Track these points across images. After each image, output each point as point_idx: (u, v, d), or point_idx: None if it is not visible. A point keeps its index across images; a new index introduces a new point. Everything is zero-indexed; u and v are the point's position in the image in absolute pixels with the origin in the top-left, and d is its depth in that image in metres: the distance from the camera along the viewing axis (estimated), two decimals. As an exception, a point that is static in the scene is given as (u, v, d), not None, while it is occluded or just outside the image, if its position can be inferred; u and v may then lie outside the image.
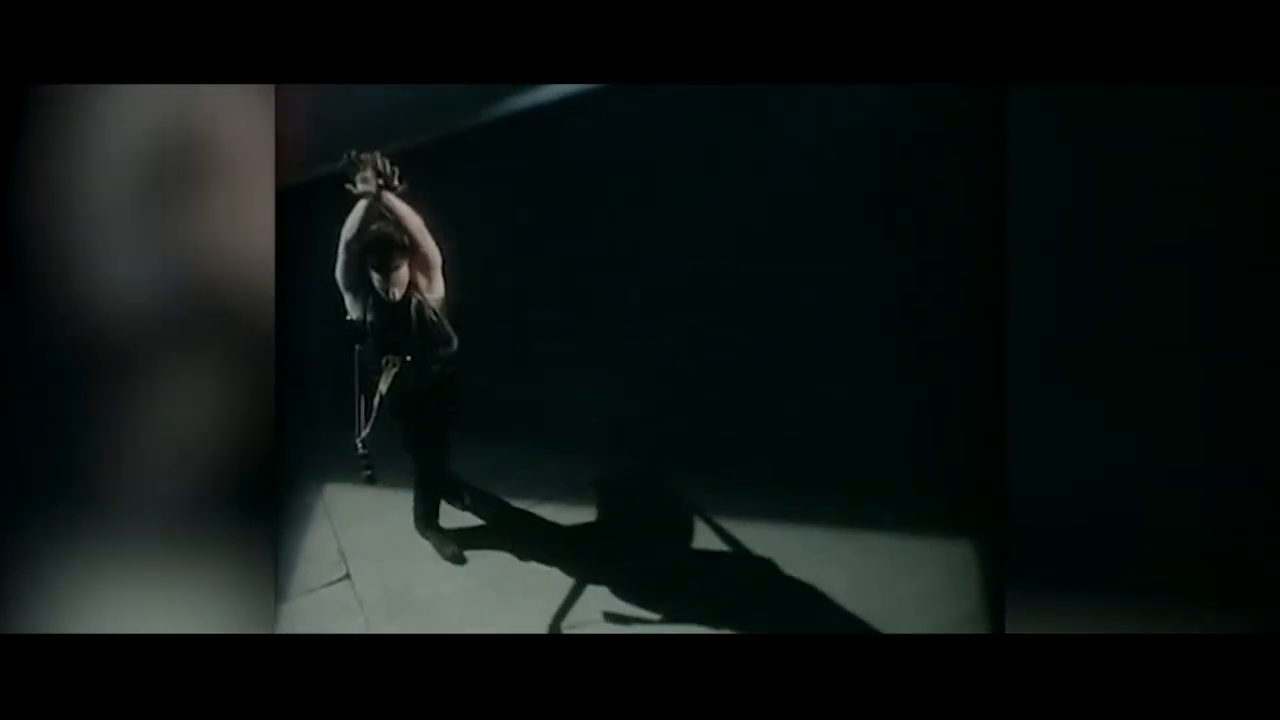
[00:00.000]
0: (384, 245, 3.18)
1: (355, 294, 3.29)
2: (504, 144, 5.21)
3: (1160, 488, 2.59)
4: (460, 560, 3.91)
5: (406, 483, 3.82)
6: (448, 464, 3.81)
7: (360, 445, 3.30)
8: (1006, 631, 2.67)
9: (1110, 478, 2.61)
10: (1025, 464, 2.62)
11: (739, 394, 4.24)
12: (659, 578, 3.80)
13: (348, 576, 3.92)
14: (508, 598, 3.77)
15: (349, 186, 3.18)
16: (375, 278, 3.22)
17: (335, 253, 3.23)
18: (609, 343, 4.44)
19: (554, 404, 4.26)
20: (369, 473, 3.34)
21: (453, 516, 3.98)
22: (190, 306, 2.58)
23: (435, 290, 3.32)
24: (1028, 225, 2.59)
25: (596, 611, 3.69)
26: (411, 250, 3.22)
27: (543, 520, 3.98)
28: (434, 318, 3.31)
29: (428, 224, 3.23)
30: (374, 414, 3.31)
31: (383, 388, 3.31)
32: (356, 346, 3.36)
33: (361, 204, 3.19)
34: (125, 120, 2.53)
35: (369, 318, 3.30)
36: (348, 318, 3.34)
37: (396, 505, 3.94)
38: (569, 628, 3.67)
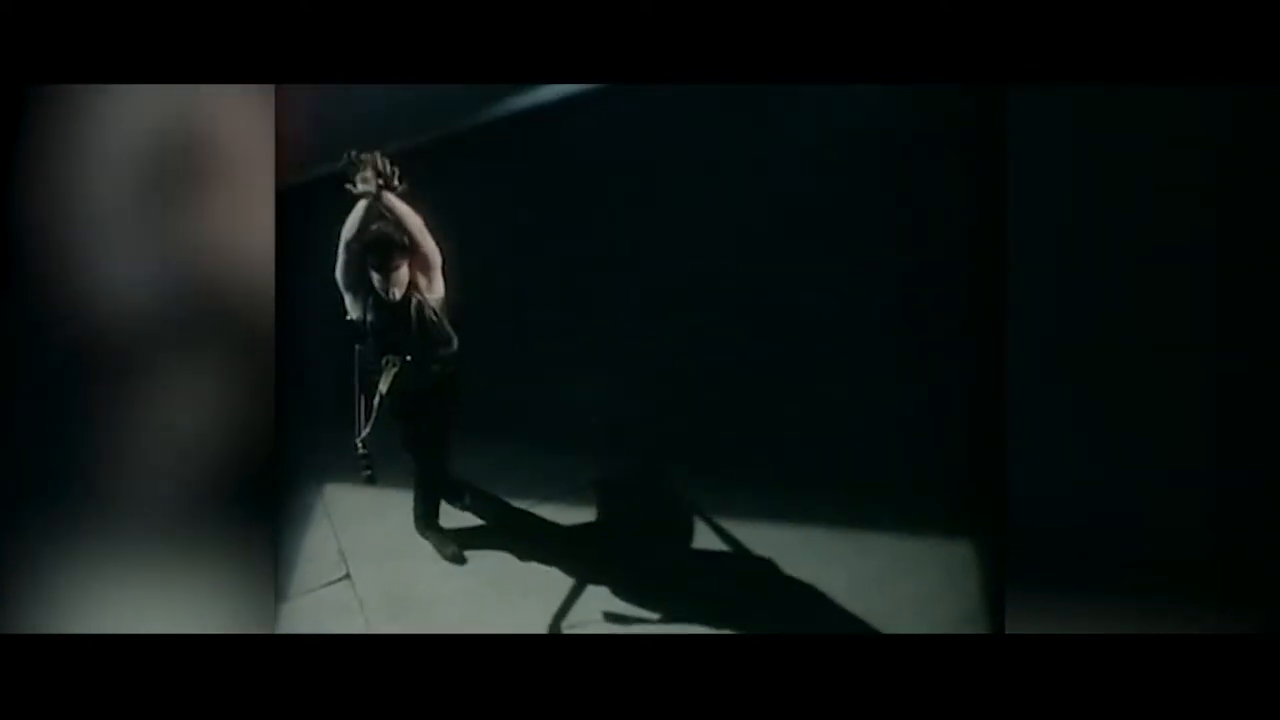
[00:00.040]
0: (384, 245, 3.18)
1: (355, 294, 3.29)
2: (504, 144, 5.21)
3: (1160, 488, 2.59)
4: (460, 560, 3.91)
5: (406, 483, 3.82)
6: (448, 464, 3.80)
7: (360, 445, 3.30)
8: (1006, 631, 2.67)
9: (1110, 478, 2.61)
10: (1025, 464, 2.62)
11: (739, 394, 4.24)
12: (659, 577, 3.80)
13: (348, 576, 3.92)
14: (508, 598, 3.77)
15: (349, 186, 3.18)
16: (375, 278, 3.22)
17: (335, 253, 3.24)
18: (609, 343, 4.44)
19: (554, 404, 4.26)
20: (369, 473, 3.34)
21: (453, 517, 3.98)
22: (190, 306, 2.58)
23: (435, 290, 3.32)
24: (1028, 225, 2.59)
25: (597, 611, 3.69)
26: (412, 250, 3.22)
27: (543, 520, 3.97)
28: (434, 318, 3.31)
29: (428, 224, 3.23)
30: (374, 414, 3.31)
31: (383, 388, 3.31)
32: (356, 346, 3.36)
33: (361, 204, 3.19)
34: (125, 120, 2.53)
35: (369, 318, 3.30)
36: (348, 318, 3.34)
37: (396, 505, 3.94)
38: (569, 628, 3.67)
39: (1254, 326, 2.53)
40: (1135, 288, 2.57)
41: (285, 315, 2.86)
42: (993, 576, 3.59)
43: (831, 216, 4.72)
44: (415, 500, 3.88)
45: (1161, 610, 2.57)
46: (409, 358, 3.32)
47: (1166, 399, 2.58)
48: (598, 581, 3.77)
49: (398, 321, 3.29)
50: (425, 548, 3.93)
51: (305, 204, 3.85)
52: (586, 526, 3.95)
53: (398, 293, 3.24)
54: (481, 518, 4.01)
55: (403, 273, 3.21)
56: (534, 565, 3.86)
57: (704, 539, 3.86)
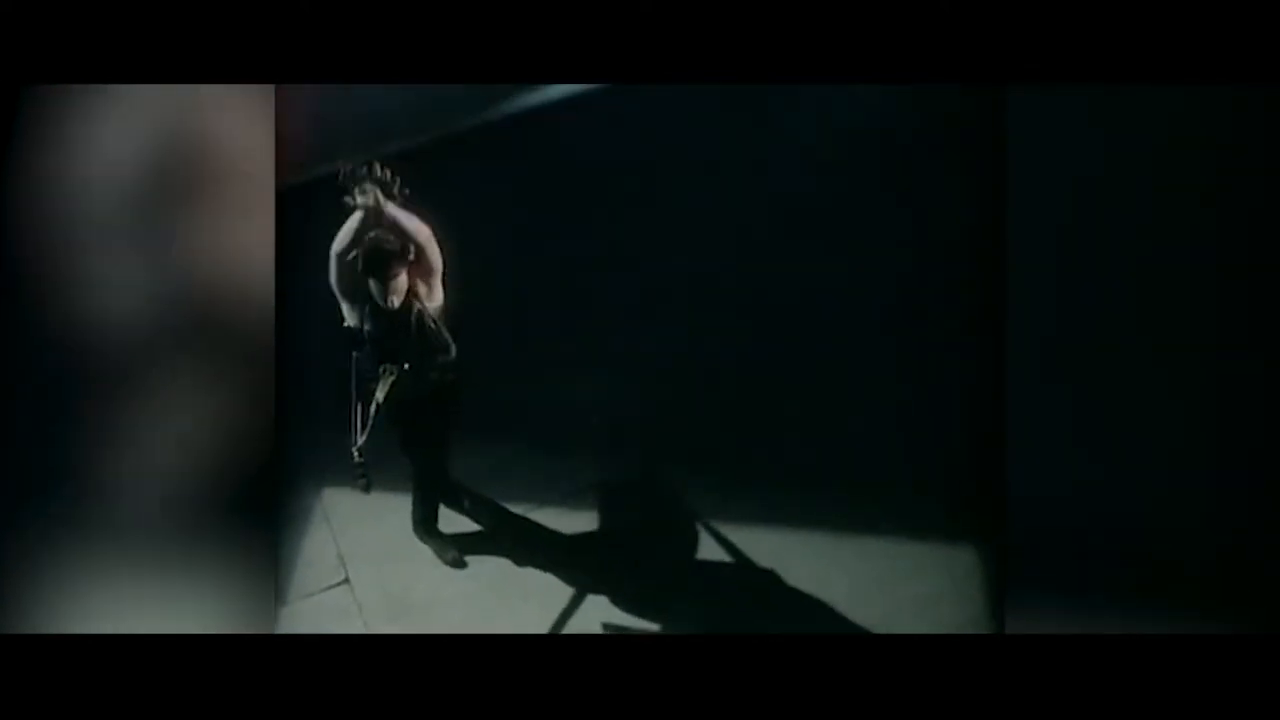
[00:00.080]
0: (381, 253, 3.14)
1: (352, 301, 3.27)
2: (504, 144, 5.21)
3: (1160, 488, 2.59)
4: (460, 564, 3.90)
5: (406, 487, 3.82)
6: (446, 468, 3.80)
7: (356, 454, 3.28)
8: (1007, 632, 2.66)
9: (1110, 478, 2.61)
10: (1025, 464, 2.62)
11: (739, 394, 4.23)
12: (659, 578, 3.79)
13: (347, 581, 3.92)
14: (508, 601, 3.77)
15: (348, 200, 3.15)
16: (373, 285, 3.19)
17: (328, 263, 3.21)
18: (609, 343, 4.43)
19: (554, 404, 4.25)
20: (364, 481, 3.32)
21: (452, 520, 3.97)
22: (190, 307, 2.58)
23: (435, 298, 3.30)
24: (1028, 225, 2.59)
25: (597, 613, 3.68)
26: (413, 259, 3.19)
27: (542, 524, 3.97)
28: (432, 325, 3.30)
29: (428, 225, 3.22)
30: (370, 422, 3.29)
31: (380, 396, 3.29)
32: (354, 353, 3.34)
33: (357, 214, 3.15)
34: (125, 120, 2.53)
35: (366, 325, 3.28)
36: (345, 324, 3.32)
37: (396, 509, 3.93)
38: (569, 630, 3.67)
39: (1254, 326, 2.52)
40: (1135, 288, 2.57)
41: (285, 316, 2.85)
42: (992, 577, 3.59)
43: (831, 216, 4.72)
44: (414, 504, 3.87)
45: (1161, 610, 2.57)
46: (407, 366, 3.30)
47: (1166, 399, 2.58)
48: (598, 584, 3.77)
49: (396, 329, 3.27)
50: (425, 552, 3.92)
51: (305, 204, 3.83)
52: (586, 529, 3.95)
53: (396, 300, 3.21)
54: (481, 522, 4.00)
55: (401, 280, 3.19)
56: (533, 569, 3.85)
57: (704, 540, 3.86)
